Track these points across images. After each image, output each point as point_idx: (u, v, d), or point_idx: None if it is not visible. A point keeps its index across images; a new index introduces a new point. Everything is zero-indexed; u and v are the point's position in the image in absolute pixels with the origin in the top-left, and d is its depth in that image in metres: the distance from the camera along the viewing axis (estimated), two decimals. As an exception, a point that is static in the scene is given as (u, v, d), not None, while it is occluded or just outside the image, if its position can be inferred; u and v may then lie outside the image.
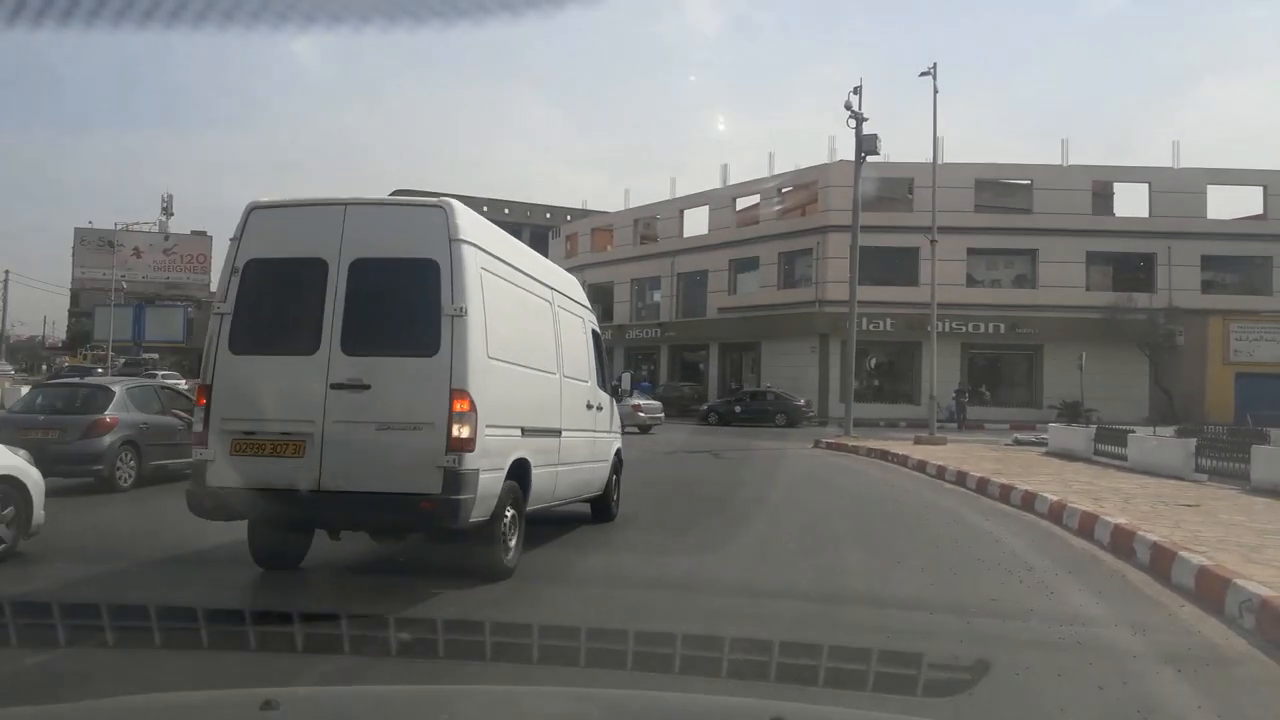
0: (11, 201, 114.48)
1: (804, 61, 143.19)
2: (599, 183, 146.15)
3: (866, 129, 23.82)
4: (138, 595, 5.28)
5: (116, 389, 11.81)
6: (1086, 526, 8.65)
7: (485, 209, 70.30)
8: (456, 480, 5.47)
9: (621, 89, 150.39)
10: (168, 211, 76.72)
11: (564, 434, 7.53)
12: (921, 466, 15.81)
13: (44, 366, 58.64)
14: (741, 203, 41.73)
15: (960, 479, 13.63)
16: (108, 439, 10.89)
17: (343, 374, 5.61)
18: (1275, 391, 31.31)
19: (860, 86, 23.71)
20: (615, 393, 10.00)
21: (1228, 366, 33.62)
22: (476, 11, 3.02)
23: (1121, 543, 7.65)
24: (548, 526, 7.75)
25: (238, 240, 5.95)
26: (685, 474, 14.75)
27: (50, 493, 7.21)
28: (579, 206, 59.36)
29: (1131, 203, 37.70)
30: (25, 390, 27.65)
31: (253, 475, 5.58)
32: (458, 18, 3.02)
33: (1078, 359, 27.76)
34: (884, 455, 18.23)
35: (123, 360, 51.14)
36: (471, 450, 5.54)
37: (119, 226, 73.42)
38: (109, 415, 11.10)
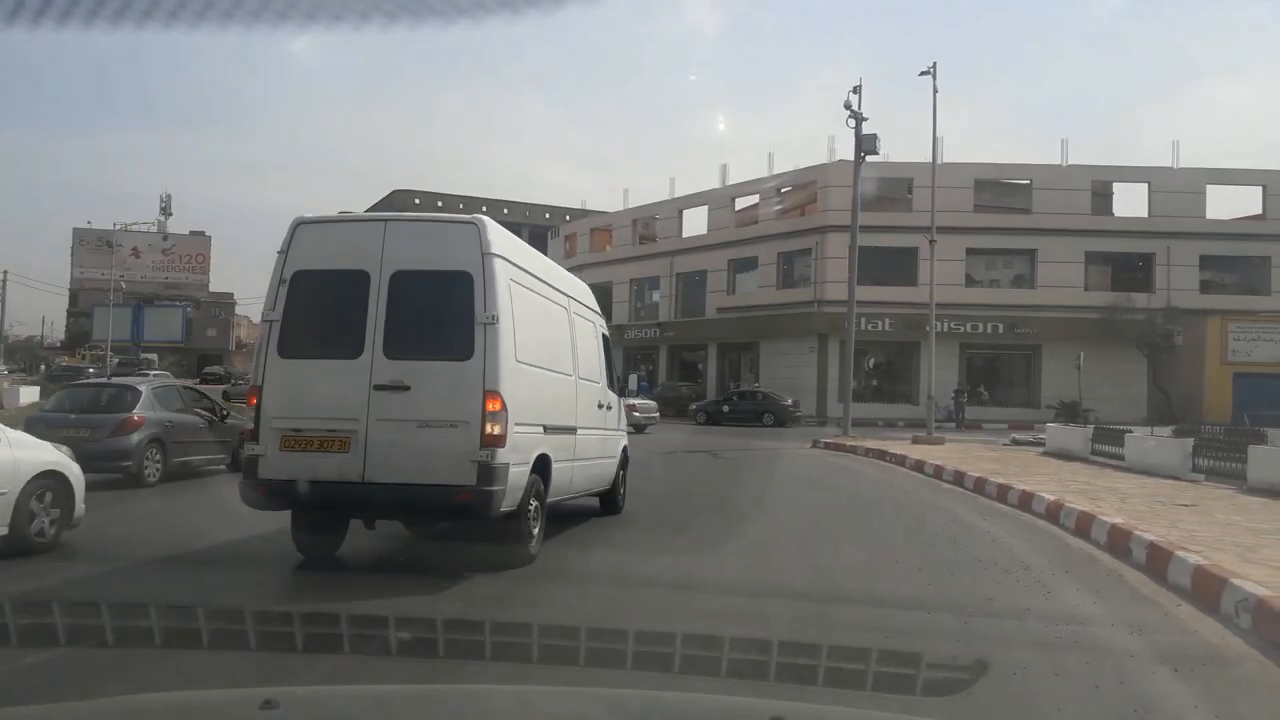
0: (10, 202, 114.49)
1: (804, 61, 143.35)
2: (598, 182, 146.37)
3: (866, 129, 23.86)
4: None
5: (143, 389, 12.35)
6: (1083, 526, 8.67)
7: (484, 208, 70.29)
8: (489, 473, 5.96)
9: (621, 89, 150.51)
10: (166, 211, 76.70)
11: (579, 431, 8.00)
12: (919, 466, 15.83)
13: (42, 366, 58.55)
14: (741, 203, 41.75)
15: (958, 479, 13.65)
16: (136, 437, 11.38)
17: (385, 376, 6.08)
18: (1273, 391, 31.33)
19: (860, 86, 23.77)
20: (622, 392, 10.50)
21: (1226, 366, 33.66)
22: (476, 10, 3.03)
23: (1118, 542, 7.67)
24: (548, 524, 7.77)
25: (285, 253, 6.38)
26: (684, 474, 14.76)
27: (83, 488, 7.59)
28: (578, 206, 59.42)
29: (1130, 203, 37.83)
30: (24, 390, 27.63)
31: (301, 469, 6.06)
32: (457, 16, 3.02)
33: (1076, 359, 27.81)
34: (882, 455, 18.25)
35: (116, 360, 51.14)
36: (503, 446, 6.03)
37: (117, 226, 73.39)
38: (137, 414, 11.60)
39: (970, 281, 36.36)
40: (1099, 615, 5.50)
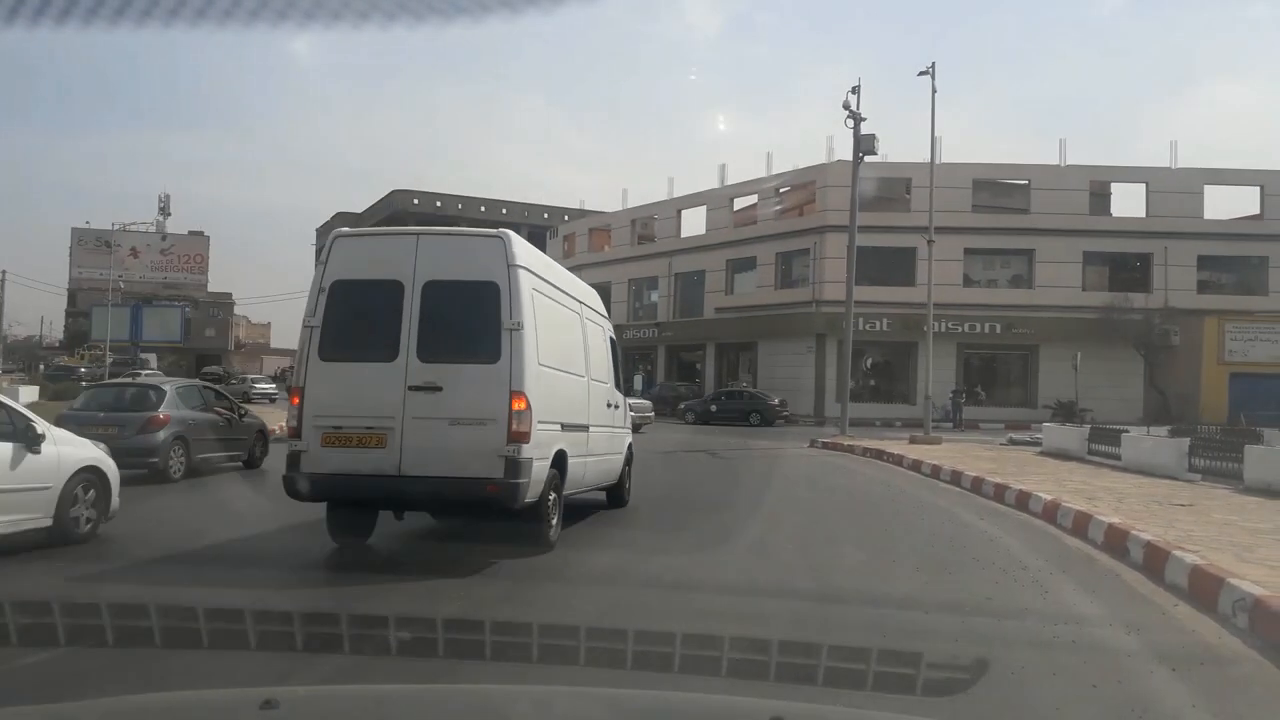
0: (9, 201, 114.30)
1: (803, 61, 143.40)
2: (597, 183, 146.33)
3: (865, 129, 23.88)
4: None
5: (167, 388, 12.87)
6: (1081, 526, 8.69)
7: (482, 209, 70.14)
8: (516, 467, 6.45)
9: (620, 89, 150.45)
10: (165, 211, 76.60)
11: (591, 429, 8.48)
12: (917, 466, 15.85)
13: (41, 366, 58.49)
14: (739, 203, 41.76)
15: (955, 478, 13.67)
16: (161, 434, 11.86)
17: (419, 378, 6.56)
18: (1270, 391, 31.40)
19: (858, 86, 23.79)
20: (627, 392, 10.99)
21: (1222, 366, 33.72)
22: (476, 9, 3.03)
23: (1115, 542, 7.69)
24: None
25: (323, 264, 6.87)
26: (682, 473, 14.77)
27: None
28: (576, 206, 59.38)
29: (1128, 203, 37.86)
30: (24, 390, 27.68)
31: (342, 463, 6.56)
32: (457, 14, 3.02)
33: (1073, 359, 27.87)
34: (879, 455, 18.27)
35: (110, 360, 51.15)
36: (527, 442, 6.51)
37: (116, 227, 73.27)
38: (162, 412, 12.08)
39: (968, 281, 36.39)
40: (1097, 615, 5.51)
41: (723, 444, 21.25)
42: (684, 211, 43.78)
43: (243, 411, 14.21)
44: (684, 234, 43.59)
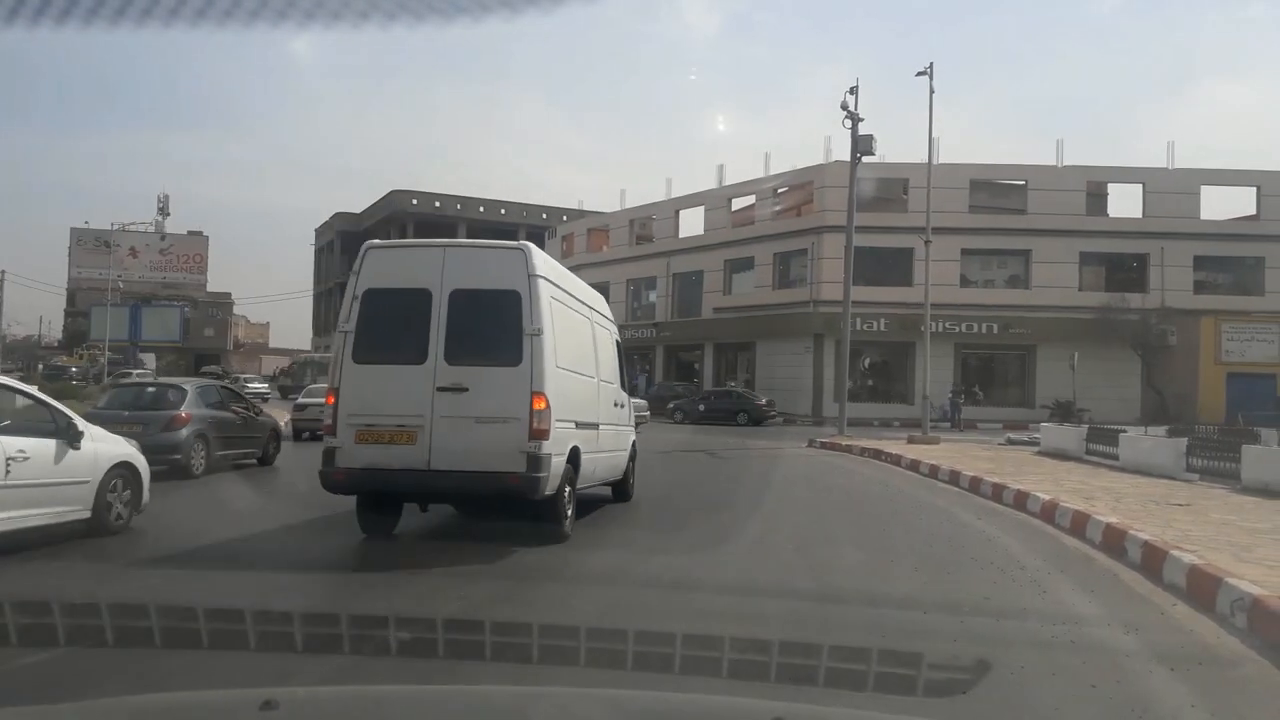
0: (8, 201, 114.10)
1: (802, 61, 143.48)
2: (595, 183, 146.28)
3: (863, 129, 23.89)
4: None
5: (188, 388, 13.42)
6: (1078, 525, 8.70)
7: (481, 209, 69.95)
8: (537, 462, 6.90)
9: (619, 89, 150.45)
10: (164, 211, 76.55)
11: (600, 427, 8.93)
12: (915, 466, 15.86)
13: (39, 366, 58.42)
14: (737, 203, 41.77)
15: (953, 478, 13.68)
16: (184, 432, 12.33)
17: (446, 379, 7.01)
18: (1266, 391, 31.50)
19: (856, 87, 23.81)
20: (632, 392, 11.50)
21: (1219, 366, 33.79)
22: (476, 9, 3.02)
23: (1113, 542, 7.70)
24: (547, 524, 7.82)
25: (357, 274, 7.32)
26: (681, 473, 14.76)
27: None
28: (575, 207, 59.34)
29: (1125, 203, 37.89)
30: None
31: (374, 458, 7.00)
32: (457, 14, 3.02)
33: (1070, 359, 27.88)
34: (878, 455, 18.28)
35: (102, 360, 51.16)
36: (547, 439, 6.98)
37: (115, 226, 73.15)
38: (184, 411, 12.56)
39: (965, 282, 36.41)
40: (1095, 615, 5.52)
41: (721, 444, 21.25)
42: (682, 212, 43.78)
43: (257, 410, 14.67)
44: (682, 234, 43.59)
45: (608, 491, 10.12)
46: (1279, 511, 9.50)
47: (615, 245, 47.28)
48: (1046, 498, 10.16)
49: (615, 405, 9.87)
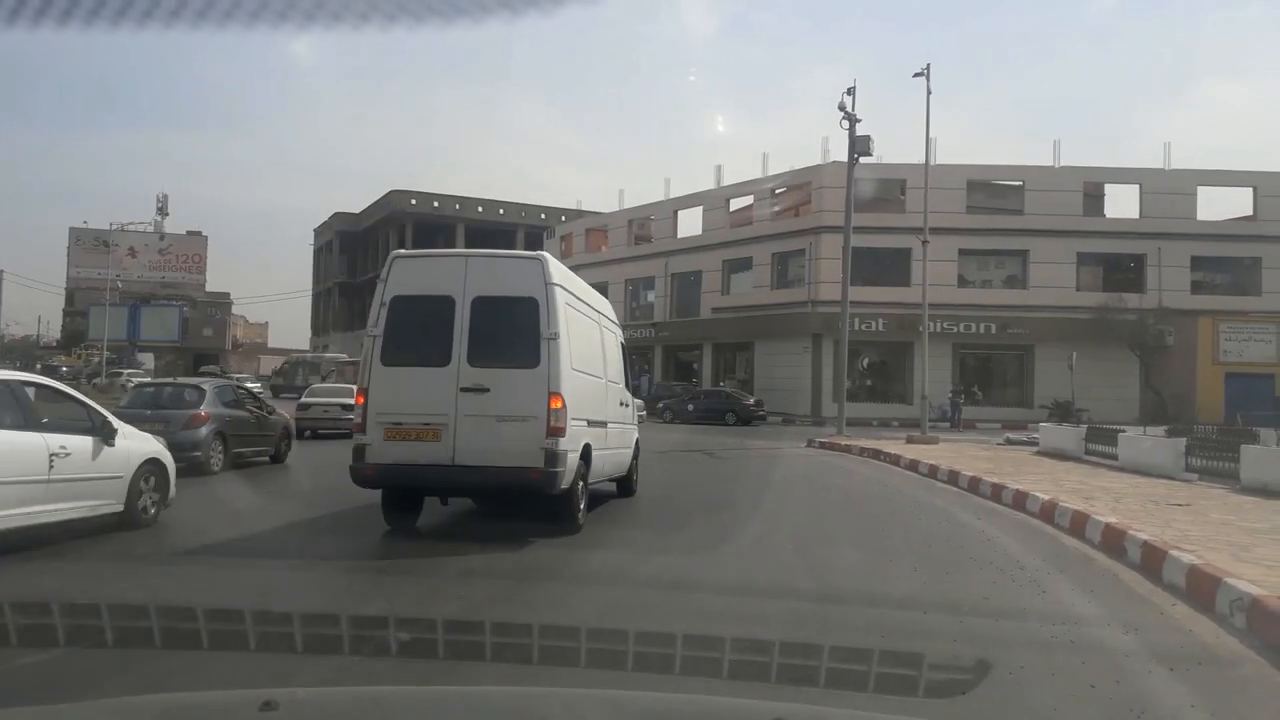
0: (7, 201, 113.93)
1: (800, 62, 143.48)
2: (594, 183, 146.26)
3: (860, 130, 23.93)
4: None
5: (206, 388, 13.89)
6: (1078, 525, 8.70)
7: (480, 209, 69.91)
8: (554, 457, 7.36)
9: (618, 89, 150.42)
10: (163, 211, 76.51)
11: (608, 425, 9.34)
12: (914, 466, 15.86)
13: (38, 366, 58.39)
14: (735, 203, 41.79)
15: (952, 478, 13.68)
16: (203, 430, 12.75)
17: (469, 380, 7.45)
18: (1264, 391, 31.55)
19: (854, 88, 23.83)
20: (635, 392, 11.94)
21: (1217, 366, 33.83)
22: (476, 10, 3.03)
23: (1112, 542, 7.70)
24: (546, 525, 7.84)
25: (384, 281, 7.74)
26: (681, 473, 14.76)
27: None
28: (573, 207, 59.36)
29: (1122, 204, 37.96)
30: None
31: (401, 454, 7.43)
32: (457, 16, 3.02)
33: (1068, 359, 27.89)
34: (877, 455, 18.28)
35: (96, 359, 51.14)
36: (563, 436, 7.43)
37: (114, 226, 73.15)
38: (203, 410, 12.99)
39: (963, 282, 36.45)
40: (1095, 615, 5.52)
41: (718, 444, 21.25)
42: (680, 212, 43.79)
43: (270, 410, 15.09)
44: (680, 234, 43.61)
45: (613, 487, 10.41)
46: (1278, 511, 9.51)
47: (614, 245, 47.28)
48: (1046, 498, 10.16)
49: (621, 404, 10.25)
